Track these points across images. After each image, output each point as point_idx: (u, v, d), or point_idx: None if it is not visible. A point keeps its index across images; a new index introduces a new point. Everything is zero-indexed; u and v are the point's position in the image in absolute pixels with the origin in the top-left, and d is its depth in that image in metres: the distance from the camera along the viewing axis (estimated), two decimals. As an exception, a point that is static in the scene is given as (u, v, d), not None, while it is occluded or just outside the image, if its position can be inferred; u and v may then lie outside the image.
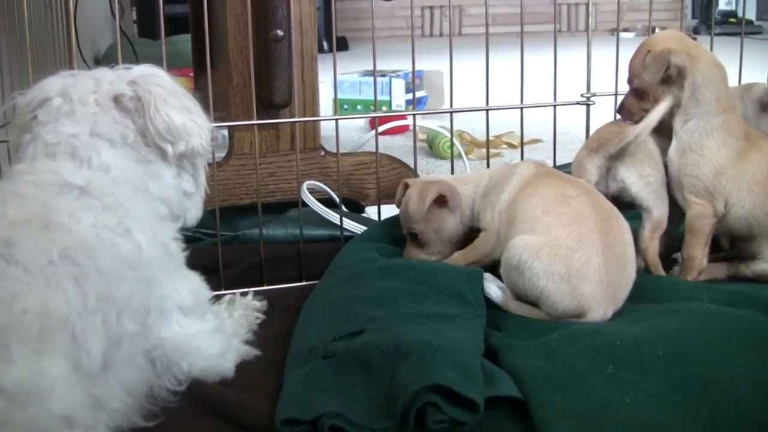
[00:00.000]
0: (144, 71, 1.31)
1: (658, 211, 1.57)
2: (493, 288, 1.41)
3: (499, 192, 1.55)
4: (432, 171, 2.76)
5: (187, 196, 1.36)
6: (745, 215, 1.53)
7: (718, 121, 1.54)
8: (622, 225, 1.43)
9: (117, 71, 1.31)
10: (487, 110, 1.91)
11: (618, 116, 1.67)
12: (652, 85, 1.58)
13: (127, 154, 1.26)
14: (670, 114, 1.58)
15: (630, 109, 1.63)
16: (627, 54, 1.95)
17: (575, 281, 1.34)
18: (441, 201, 1.59)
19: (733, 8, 7.95)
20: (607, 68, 1.95)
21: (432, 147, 2.98)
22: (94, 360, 1.05)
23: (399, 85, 3.70)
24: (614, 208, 1.45)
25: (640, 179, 1.56)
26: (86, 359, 1.04)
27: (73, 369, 1.02)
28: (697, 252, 1.56)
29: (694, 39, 1.63)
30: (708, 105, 1.55)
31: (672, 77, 1.56)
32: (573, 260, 1.35)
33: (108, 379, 1.10)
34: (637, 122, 1.58)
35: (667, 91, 1.57)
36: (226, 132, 2.24)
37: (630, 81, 1.62)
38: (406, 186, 1.65)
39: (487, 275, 1.45)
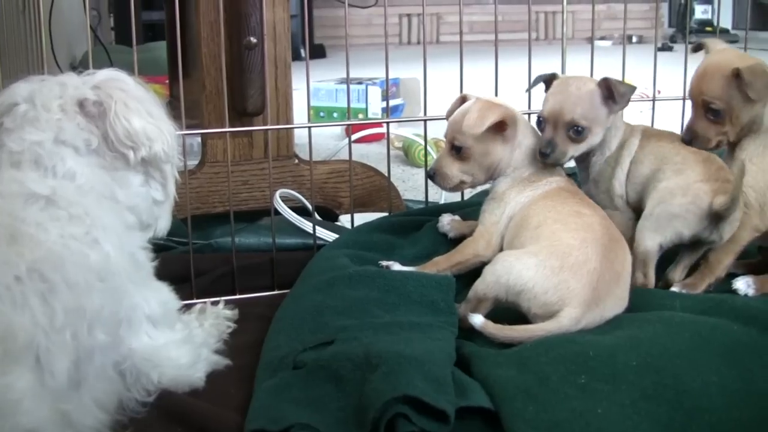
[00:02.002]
0: (108, 75, 1.29)
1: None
2: (474, 317, 1.37)
3: (519, 193, 1.54)
4: (408, 179, 2.75)
5: (157, 204, 1.35)
6: None
7: None
8: (626, 251, 1.43)
9: (82, 76, 1.29)
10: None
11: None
12: (737, 106, 1.51)
13: (92, 161, 1.25)
14: (741, 134, 1.56)
15: (706, 136, 1.54)
16: (602, 62, 1.95)
17: (565, 275, 1.33)
18: (500, 126, 1.55)
19: (710, 17, 8.00)
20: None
21: (408, 155, 2.98)
22: (59, 379, 1.03)
23: (375, 93, 3.70)
24: (622, 237, 1.45)
25: None
26: (50, 379, 1.02)
27: (40, 383, 1.00)
28: (726, 259, 1.54)
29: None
30: None
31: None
32: (571, 256, 1.35)
33: (81, 396, 1.09)
34: (715, 147, 1.57)
35: (752, 110, 1.52)
36: (199, 140, 2.23)
37: (703, 105, 1.54)
38: (464, 98, 1.63)
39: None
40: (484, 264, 1.44)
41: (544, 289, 1.33)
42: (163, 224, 1.37)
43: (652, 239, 1.50)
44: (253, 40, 1.92)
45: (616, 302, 1.37)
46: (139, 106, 1.28)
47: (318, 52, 7.60)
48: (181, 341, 1.30)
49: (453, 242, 1.66)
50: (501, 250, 1.51)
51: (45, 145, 1.21)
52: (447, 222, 1.72)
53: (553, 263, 1.35)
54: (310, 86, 1.80)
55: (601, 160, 1.61)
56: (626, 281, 1.40)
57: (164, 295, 1.30)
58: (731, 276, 1.56)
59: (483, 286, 1.39)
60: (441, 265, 1.55)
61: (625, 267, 1.40)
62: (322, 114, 3.75)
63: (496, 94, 1.83)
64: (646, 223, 1.51)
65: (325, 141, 3.21)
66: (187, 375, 1.29)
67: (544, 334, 1.29)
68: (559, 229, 1.41)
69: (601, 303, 1.34)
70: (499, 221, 1.54)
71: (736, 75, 1.49)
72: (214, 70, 1.97)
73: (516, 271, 1.36)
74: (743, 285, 1.52)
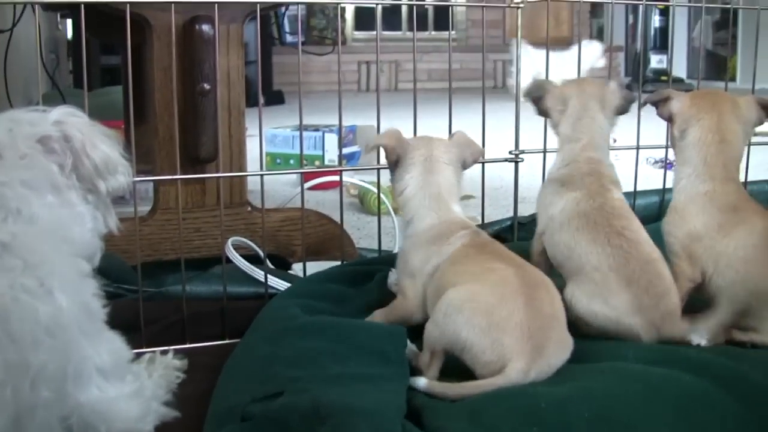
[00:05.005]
0: (67, 111, 1.28)
1: None
2: (418, 381, 1.35)
3: (425, 261, 1.51)
4: (363, 227, 2.74)
5: (99, 238, 1.33)
6: (725, 288, 1.51)
7: (704, 188, 1.54)
8: (551, 293, 1.39)
9: (33, 113, 1.27)
10: (415, 166, 1.90)
11: None
12: None
13: (54, 201, 1.22)
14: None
15: None
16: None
17: (495, 333, 1.31)
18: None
19: (665, 66, 8.11)
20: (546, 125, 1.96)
21: (363, 203, 2.98)
22: None
23: (332, 140, 3.70)
24: (545, 279, 1.42)
25: None
26: None
27: None
28: None
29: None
30: (695, 168, 1.56)
31: (667, 119, 1.61)
32: (494, 314, 1.32)
33: None
34: None
35: (672, 134, 1.62)
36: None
37: None
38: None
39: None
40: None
41: (481, 349, 1.31)
42: (99, 256, 1.35)
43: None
44: (207, 86, 1.91)
45: (559, 347, 1.35)
46: (105, 138, 1.28)
47: (276, 99, 7.61)
48: (131, 394, 1.27)
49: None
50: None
51: (12, 186, 1.18)
52: (394, 282, 1.70)
53: (480, 322, 1.32)
54: (266, 133, 1.79)
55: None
56: (561, 322, 1.37)
57: (116, 345, 1.27)
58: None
59: (431, 340, 1.38)
60: (377, 319, 1.54)
61: (555, 307, 1.37)
62: (278, 161, 3.73)
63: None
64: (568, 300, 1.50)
65: (281, 188, 3.20)
66: (136, 429, 1.26)
67: (494, 388, 1.28)
68: (476, 287, 1.38)
69: (544, 351, 1.31)
70: (416, 287, 1.52)
71: None
72: (167, 116, 1.95)
73: (450, 331, 1.34)
74: (696, 336, 1.52)
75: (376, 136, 1.62)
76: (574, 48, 7.27)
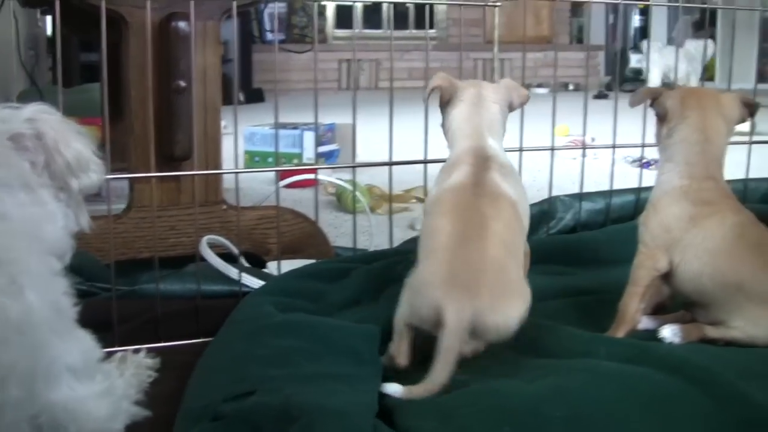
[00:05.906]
0: (40, 108, 1.27)
1: None
2: (391, 388, 1.35)
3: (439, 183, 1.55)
4: (340, 226, 2.74)
5: (71, 236, 1.32)
6: (691, 279, 1.51)
7: (680, 183, 1.55)
8: (486, 245, 1.39)
9: (5, 110, 1.26)
10: (390, 165, 1.90)
11: None
12: None
13: (25, 198, 1.21)
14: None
15: None
16: (537, 108, 1.96)
17: (424, 289, 1.35)
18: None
19: (643, 66, 8.14)
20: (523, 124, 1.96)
21: (340, 201, 2.97)
22: None
23: (311, 138, 3.69)
24: (485, 233, 1.40)
25: None
26: None
27: None
28: (631, 303, 1.54)
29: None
30: (676, 165, 1.56)
31: (660, 115, 1.61)
32: (420, 272, 1.38)
33: None
34: None
35: (658, 131, 1.62)
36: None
37: None
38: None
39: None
40: None
41: (418, 306, 1.35)
42: (70, 254, 1.34)
43: None
44: (182, 84, 1.90)
45: (501, 291, 1.35)
46: (78, 136, 1.27)
47: (256, 97, 7.60)
48: (101, 393, 1.26)
49: (379, 289, 1.65)
50: None
51: None
52: None
53: (412, 285, 1.38)
54: (244, 131, 1.79)
55: None
56: (497, 270, 1.37)
57: (86, 344, 1.26)
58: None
59: (395, 320, 1.41)
60: None
61: (486, 257, 1.37)
62: (257, 159, 3.72)
63: (426, 141, 1.83)
64: None
65: (259, 186, 3.19)
66: (106, 428, 1.26)
67: (447, 352, 1.27)
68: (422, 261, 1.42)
69: (478, 292, 1.32)
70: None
71: None
72: (143, 114, 1.94)
73: (401, 303, 1.39)
74: (669, 333, 1.52)
75: (431, 80, 1.66)
76: (687, 45, 7.30)
